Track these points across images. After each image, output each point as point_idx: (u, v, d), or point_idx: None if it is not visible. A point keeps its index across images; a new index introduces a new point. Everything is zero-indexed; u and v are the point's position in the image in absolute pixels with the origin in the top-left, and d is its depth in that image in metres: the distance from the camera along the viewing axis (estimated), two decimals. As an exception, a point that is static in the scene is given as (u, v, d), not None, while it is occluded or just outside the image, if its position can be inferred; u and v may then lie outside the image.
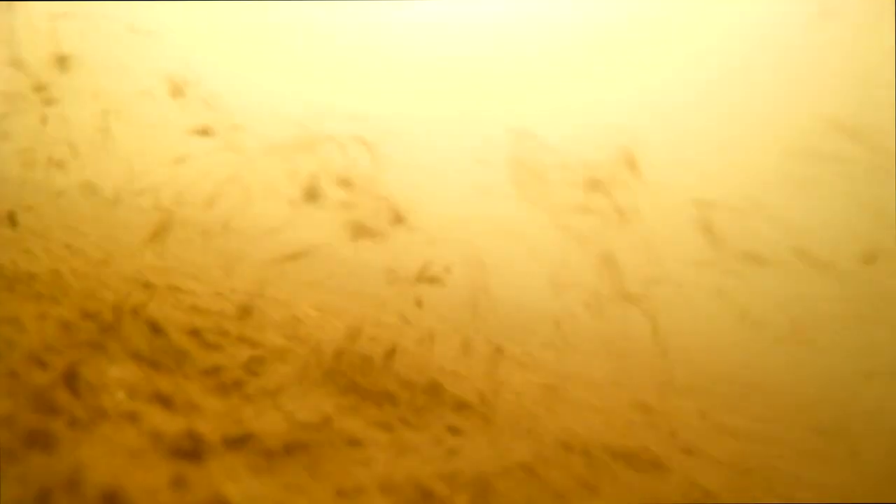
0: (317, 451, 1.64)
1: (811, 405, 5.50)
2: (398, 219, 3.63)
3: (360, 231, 3.50)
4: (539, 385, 3.06)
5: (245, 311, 3.06)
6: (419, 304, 3.67)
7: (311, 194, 3.55)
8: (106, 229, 5.14)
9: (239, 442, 1.56)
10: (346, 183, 3.80)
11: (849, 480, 3.23)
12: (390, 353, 2.81)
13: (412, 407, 2.15)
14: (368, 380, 2.32)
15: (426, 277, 3.31)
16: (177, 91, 5.11)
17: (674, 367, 5.42)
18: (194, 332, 2.40)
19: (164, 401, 1.66)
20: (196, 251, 5.07)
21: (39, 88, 5.04)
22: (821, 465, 3.31)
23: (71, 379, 1.69)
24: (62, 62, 5.09)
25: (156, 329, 2.35)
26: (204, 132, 4.52)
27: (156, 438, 1.45)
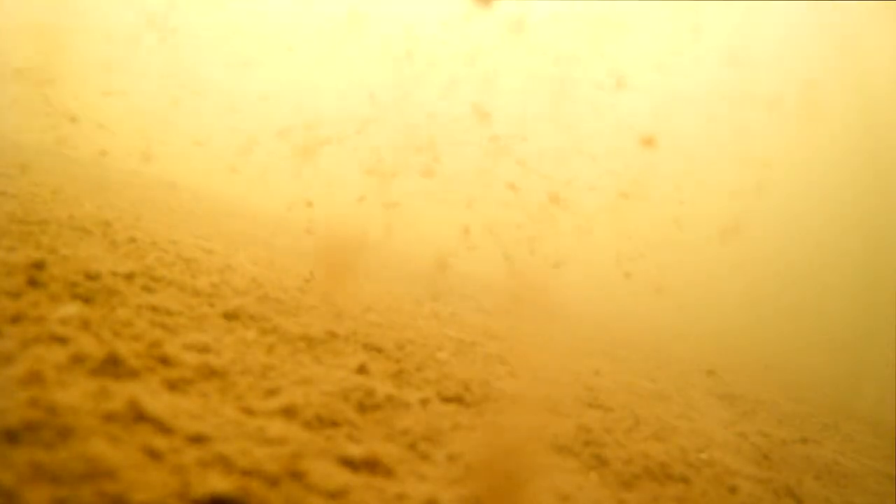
0: (229, 378, 1.87)
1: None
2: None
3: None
4: (453, 339, 3.34)
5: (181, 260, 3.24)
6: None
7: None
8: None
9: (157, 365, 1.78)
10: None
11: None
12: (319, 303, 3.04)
13: (326, 347, 2.40)
14: (290, 321, 2.55)
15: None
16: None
17: (586, 333, 5.79)
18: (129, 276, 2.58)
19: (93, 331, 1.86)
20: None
21: None
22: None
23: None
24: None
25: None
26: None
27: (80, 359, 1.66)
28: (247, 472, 1.38)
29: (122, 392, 1.54)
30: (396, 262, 7.37)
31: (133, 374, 1.71)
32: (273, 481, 1.39)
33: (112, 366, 1.70)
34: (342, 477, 1.51)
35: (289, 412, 1.80)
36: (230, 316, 2.46)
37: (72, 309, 1.99)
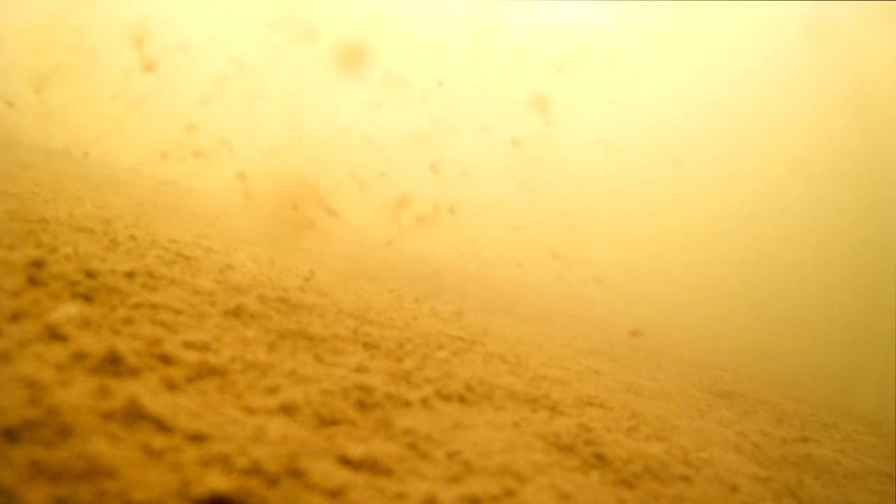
0: (229, 377, 1.86)
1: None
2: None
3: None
4: (453, 337, 3.34)
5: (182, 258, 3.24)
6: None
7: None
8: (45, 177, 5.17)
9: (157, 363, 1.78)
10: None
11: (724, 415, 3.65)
12: (321, 300, 3.03)
13: (327, 346, 2.40)
14: (290, 319, 2.55)
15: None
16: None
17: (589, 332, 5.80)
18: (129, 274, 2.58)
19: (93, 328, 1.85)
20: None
21: None
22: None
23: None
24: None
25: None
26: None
27: (80, 357, 1.65)
28: (246, 471, 1.38)
29: (121, 390, 1.54)
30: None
31: (133, 372, 1.71)
32: (273, 480, 1.39)
33: (112, 364, 1.70)
34: (342, 476, 1.51)
35: (289, 411, 1.80)
36: (230, 314, 2.46)
37: (72, 307, 1.99)
